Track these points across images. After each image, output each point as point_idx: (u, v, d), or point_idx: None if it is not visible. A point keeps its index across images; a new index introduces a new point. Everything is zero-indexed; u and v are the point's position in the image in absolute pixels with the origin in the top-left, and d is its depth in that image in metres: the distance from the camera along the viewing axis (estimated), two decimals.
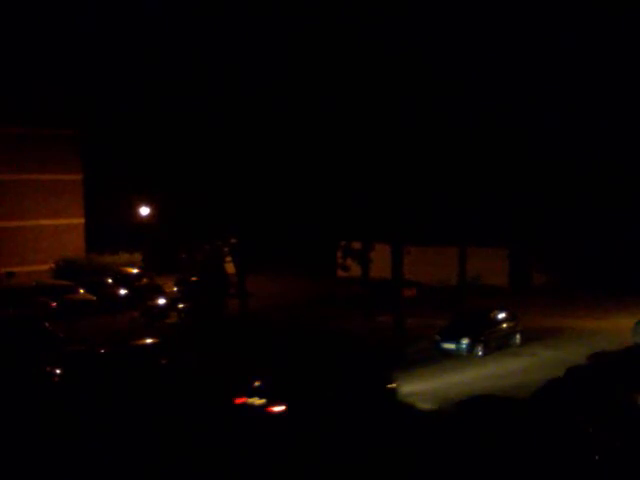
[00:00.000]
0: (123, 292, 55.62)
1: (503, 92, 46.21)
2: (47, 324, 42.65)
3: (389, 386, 32.33)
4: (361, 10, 44.04)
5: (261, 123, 47.39)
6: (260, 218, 49.30)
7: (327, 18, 44.80)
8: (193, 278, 54.54)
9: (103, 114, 65.52)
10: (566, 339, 43.87)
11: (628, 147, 51.41)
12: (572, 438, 25.42)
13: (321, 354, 34.09)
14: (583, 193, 54.11)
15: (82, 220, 65.34)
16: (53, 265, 61.69)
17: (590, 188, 53.84)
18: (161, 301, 51.64)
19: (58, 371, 34.96)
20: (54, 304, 51.47)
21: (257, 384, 30.47)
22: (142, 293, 55.01)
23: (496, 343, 42.02)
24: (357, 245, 50.18)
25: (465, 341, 41.03)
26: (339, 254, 50.56)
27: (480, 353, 41.04)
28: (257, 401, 29.52)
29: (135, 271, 59.25)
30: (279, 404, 29.13)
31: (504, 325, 42.90)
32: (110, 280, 56.92)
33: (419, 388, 35.02)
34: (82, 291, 54.33)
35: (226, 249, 52.42)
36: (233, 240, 52.10)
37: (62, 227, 63.98)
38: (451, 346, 41.25)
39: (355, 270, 50.68)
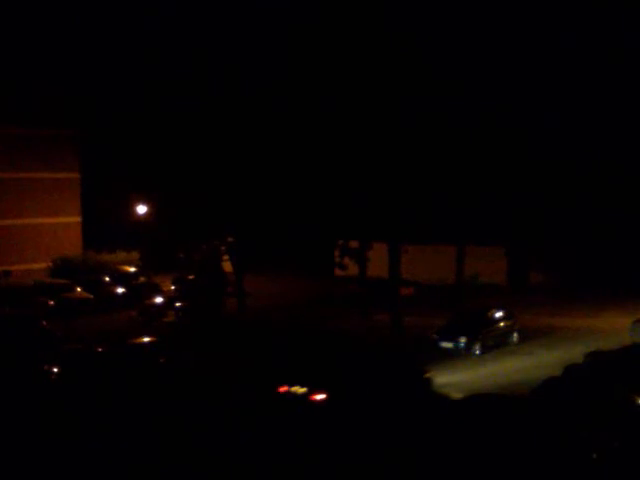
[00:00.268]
0: (120, 291, 55.57)
1: (503, 92, 46.18)
2: (45, 323, 42.65)
3: (426, 375, 33.77)
4: (361, 10, 44.01)
5: (260, 123, 47.39)
6: (258, 217, 49.32)
7: (327, 18, 44.79)
8: (191, 277, 54.53)
9: (101, 113, 65.49)
10: (563, 338, 43.87)
11: (627, 147, 51.37)
12: (570, 437, 25.43)
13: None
14: (581, 192, 54.11)
15: (79, 219, 65.29)
16: (50, 264, 61.64)
17: (588, 187, 53.83)
18: (158, 300, 51.60)
19: (56, 370, 34.94)
20: (51, 303, 51.44)
21: (301, 373, 32.31)
22: (139, 292, 54.97)
23: (494, 342, 42.03)
24: (355, 244, 50.18)
25: (463, 340, 41.03)
26: (337, 253, 50.55)
27: (478, 352, 41.04)
28: (299, 390, 31.02)
29: (132, 270, 59.21)
30: (320, 392, 30.63)
31: (502, 324, 42.91)
32: (107, 279, 56.88)
33: None
34: (79, 290, 54.28)
35: (224, 248, 52.44)
36: (231, 239, 52.12)
37: (60, 226, 63.92)
38: (449, 345, 41.24)
39: (353, 269, 50.68)
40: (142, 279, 58.00)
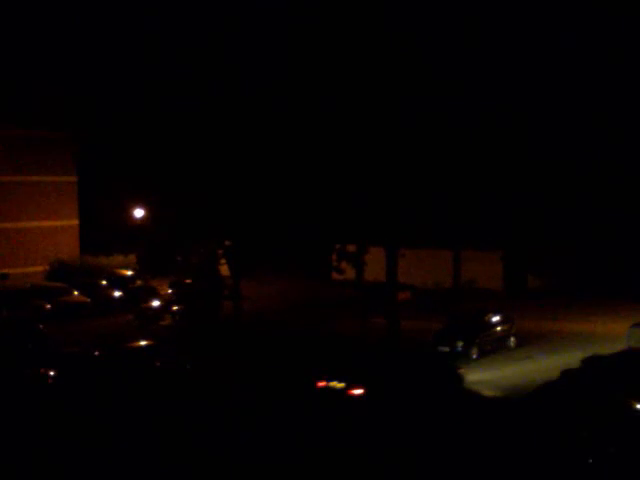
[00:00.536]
0: (117, 294, 55.53)
1: (503, 93, 46.13)
2: (41, 326, 42.60)
3: (459, 371, 34.92)
4: (361, 10, 43.95)
5: (257, 126, 47.36)
6: (255, 221, 49.28)
7: (327, 18, 44.73)
8: (188, 281, 54.50)
9: (100, 115, 65.42)
10: (560, 342, 43.85)
11: (626, 150, 51.30)
12: (565, 440, 25.43)
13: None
14: (579, 196, 54.08)
15: (76, 222, 65.27)
16: (47, 267, 61.58)
17: (586, 190, 53.81)
18: (155, 303, 51.57)
19: (52, 373, 34.90)
20: (48, 306, 51.40)
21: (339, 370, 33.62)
22: (136, 295, 54.91)
23: (491, 346, 42.02)
24: (352, 248, 50.16)
25: (460, 344, 41.02)
26: (334, 257, 50.53)
27: (475, 356, 41.02)
28: (337, 385, 32.48)
29: (129, 273, 59.16)
30: (358, 388, 32.02)
31: (499, 328, 42.90)
32: (104, 282, 56.84)
33: None
34: (76, 293, 54.25)
35: (221, 252, 52.40)
36: (228, 243, 52.08)
37: (56, 229, 63.90)
38: (446, 349, 41.23)
39: (350, 273, 50.66)
40: (139, 283, 57.96)
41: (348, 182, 45.69)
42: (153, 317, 50.33)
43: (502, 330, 42.99)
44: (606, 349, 38.09)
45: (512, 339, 43.30)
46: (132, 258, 63.76)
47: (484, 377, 37.43)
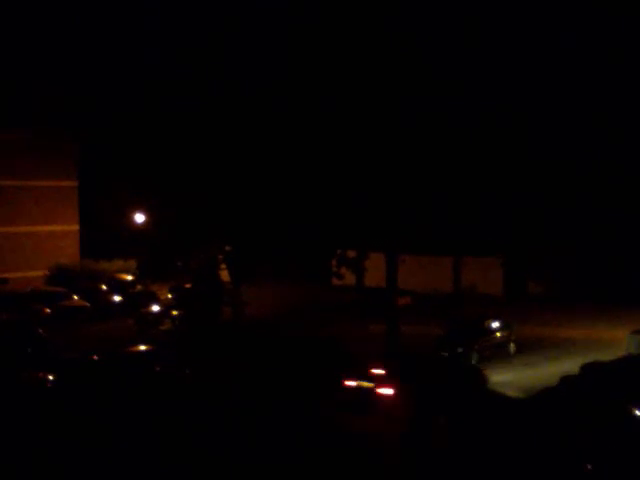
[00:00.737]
0: (117, 299, 55.54)
1: (503, 93, 46.05)
2: (41, 330, 42.60)
3: (483, 371, 36.25)
4: (361, 10, 43.90)
5: (257, 127, 47.34)
6: (255, 225, 49.28)
7: (327, 18, 44.68)
8: (187, 285, 54.49)
9: (99, 118, 65.42)
10: (560, 348, 43.83)
11: (626, 154, 51.13)
12: (564, 446, 25.42)
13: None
14: (579, 199, 54.02)
15: (77, 226, 65.27)
16: (47, 271, 61.58)
17: (587, 193, 53.75)
18: (155, 308, 51.56)
19: (51, 377, 34.90)
20: (48, 310, 51.39)
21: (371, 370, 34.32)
22: (136, 300, 54.90)
23: (490, 352, 41.96)
24: (352, 254, 50.18)
25: (459, 350, 40.99)
26: (334, 262, 50.56)
27: (474, 362, 40.98)
28: (366, 384, 33.54)
29: (129, 278, 59.16)
30: (387, 387, 33.09)
31: (498, 334, 42.87)
32: (104, 287, 56.84)
33: None
34: (76, 298, 54.25)
35: (221, 257, 52.41)
36: (228, 248, 52.09)
37: (57, 233, 63.89)
38: (446, 354, 41.19)
39: (350, 278, 50.70)
40: (139, 287, 57.95)
41: (348, 186, 45.69)
42: (153, 322, 50.31)
43: (502, 336, 42.96)
44: (606, 355, 38.07)
45: (512, 345, 43.28)
46: (132, 263, 63.81)
47: None
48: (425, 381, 33.17)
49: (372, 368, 34.32)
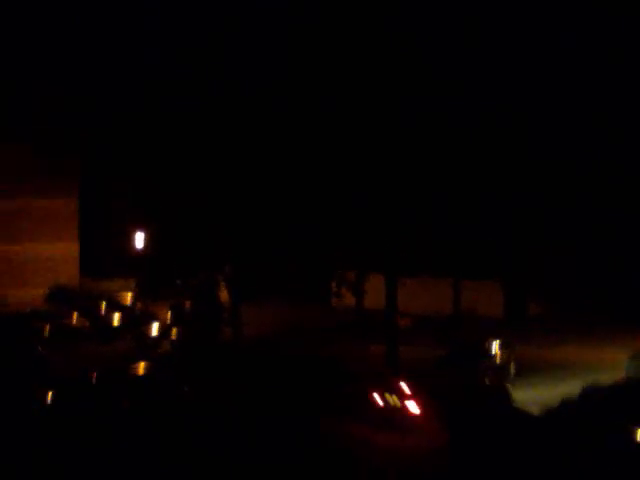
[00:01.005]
0: (117, 318, 55.50)
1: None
2: (40, 349, 42.55)
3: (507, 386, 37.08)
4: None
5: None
6: (255, 246, 49.24)
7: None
8: (187, 305, 54.39)
9: (101, 142, 65.41)
10: (561, 370, 43.73)
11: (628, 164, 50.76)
12: (565, 469, 25.31)
13: None
14: (580, 221, 53.90)
15: (77, 246, 65.17)
16: (47, 291, 61.45)
17: (587, 216, 53.63)
18: (154, 329, 51.51)
19: (50, 395, 34.86)
20: (47, 329, 51.30)
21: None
22: (136, 320, 54.86)
23: (491, 373, 41.82)
24: (352, 275, 50.12)
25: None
26: (334, 283, 50.50)
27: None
28: (394, 399, 33.71)
29: (129, 298, 59.07)
30: (415, 406, 33.34)
31: (499, 355, 42.78)
32: (104, 306, 56.78)
33: None
34: (75, 317, 54.18)
35: (221, 277, 52.36)
36: (228, 268, 52.04)
37: (57, 253, 63.77)
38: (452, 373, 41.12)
39: (350, 299, 50.60)
40: (139, 307, 57.88)
41: (348, 204, 45.63)
42: (152, 342, 50.24)
43: (502, 357, 42.86)
44: (606, 377, 37.98)
45: (512, 366, 43.17)
46: (132, 282, 63.69)
47: None
48: (453, 398, 33.19)
49: (399, 383, 34.50)
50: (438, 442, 29.68)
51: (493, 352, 42.65)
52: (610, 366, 43.02)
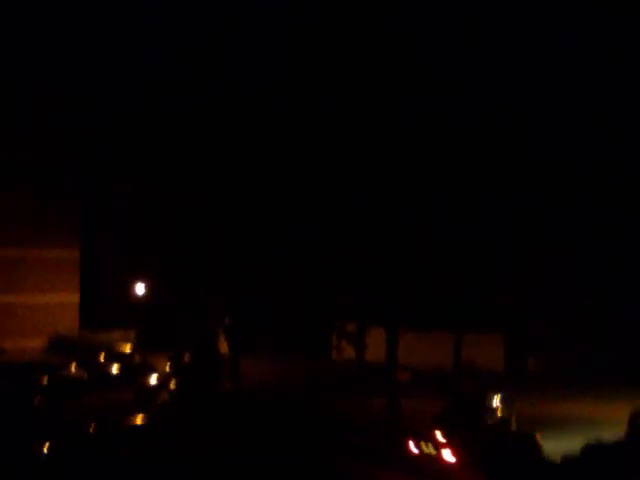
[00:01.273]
0: (115, 370, 55.38)
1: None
2: (37, 401, 42.38)
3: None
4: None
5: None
6: (255, 298, 49.21)
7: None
8: (186, 357, 54.28)
9: (101, 188, 65.56)
10: (561, 427, 43.44)
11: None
12: None
13: None
14: (579, 273, 53.86)
15: (77, 296, 65.15)
16: (46, 341, 61.35)
17: (588, 269, 53.61)
18: (153, 380, 51.36)
19: (47, 447, 34.70)
20: (45, 381, 51.11)
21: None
22: (134, 371, 54.71)
23: (491, 426, 41.57)
24: (352, 328, 50.04)
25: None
26: (334, 336, 50.43)
27: None
28: (429, 448, 34.16)
29: (128, 349, 58.99)
30: (450, 454, 33.62)
31: (499, 410, 42.54)
32: (102, 358, 56.65)
33: None
34: (74, 368, 54.01)
35: (220, 329, 52.31)
36: (227, 320, 52.00)
37: (56, 303, 63.76)
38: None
39: (350, 351, 50.46)
40: (137, 358, 57.75)
41: (349, 259, 45.64)
42: (151, 393, 50.05)
43: (502, 412, 42.62)
44: (607, 434, 37.72)
45: (513, 420, 42.92)
46: (131, 333, 63.59)
47: None
48: (485, 446, 33.66)
49: (434, 431, 34.76)
50: None
51: (494, 405, 42.41)
52: (611, 422, 42.73)
